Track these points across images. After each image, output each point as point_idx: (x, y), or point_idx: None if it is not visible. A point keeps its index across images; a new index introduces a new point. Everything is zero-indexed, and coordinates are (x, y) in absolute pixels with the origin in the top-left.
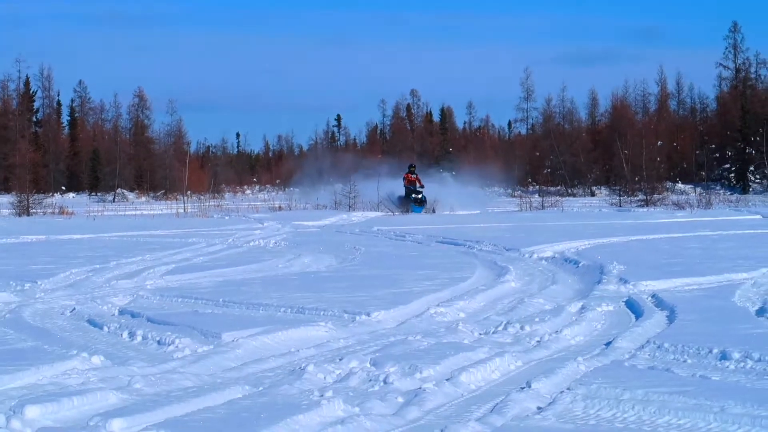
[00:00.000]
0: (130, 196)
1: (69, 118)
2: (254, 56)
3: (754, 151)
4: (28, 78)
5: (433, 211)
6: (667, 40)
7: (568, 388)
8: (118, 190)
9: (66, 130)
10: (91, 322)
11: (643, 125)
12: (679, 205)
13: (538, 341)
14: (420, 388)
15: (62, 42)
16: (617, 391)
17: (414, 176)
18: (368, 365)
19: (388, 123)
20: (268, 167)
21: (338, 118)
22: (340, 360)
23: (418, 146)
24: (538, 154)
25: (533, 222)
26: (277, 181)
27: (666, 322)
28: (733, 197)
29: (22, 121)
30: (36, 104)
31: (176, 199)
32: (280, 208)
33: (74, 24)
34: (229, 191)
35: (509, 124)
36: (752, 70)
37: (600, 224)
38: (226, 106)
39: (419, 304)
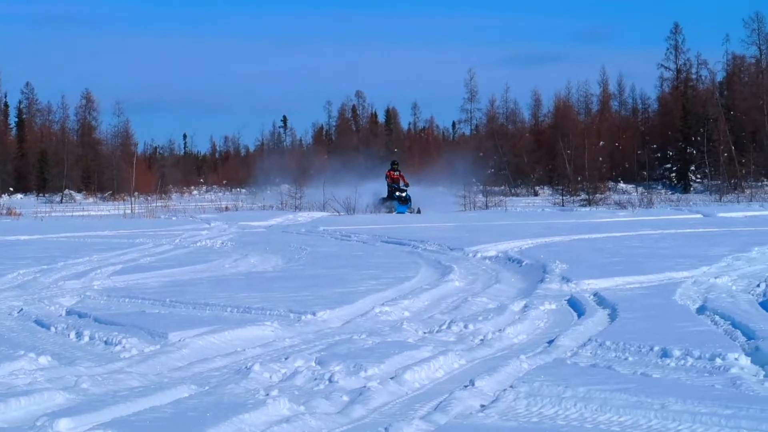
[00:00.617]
0: (78, 197)
1: (16, 119)
2: (201, 58)
3: (695, 151)
4: None
5: (418, 212)
6: (609, 41)
7: (511, 386)
8: (66, 191)
9: (13, 132)
10: (38, 322)
11: (586, 125)
12: (621, 205)
13: (481, 340)
14: (365, 386)
15: (9, 44)
16: (559, 389)
17: (397, 174)
18: (313, 364)
19: (334, 124)
20: (215, 168)
21: (284, 119)
22: (286, 359)
23: (364, 146)
24: (481, 154)
25: (477, 222)
26: (224, 182)
27: (608, 321)
28: (675, 197)
29: None
30: None
31: (124, 200)
32: (227, 208)
33: (21, 26)
34: (176, 192)
35: (453, 124)
36: (693, 70)
37: (543, 224)
38: (173, 108)
39: (364, 303)
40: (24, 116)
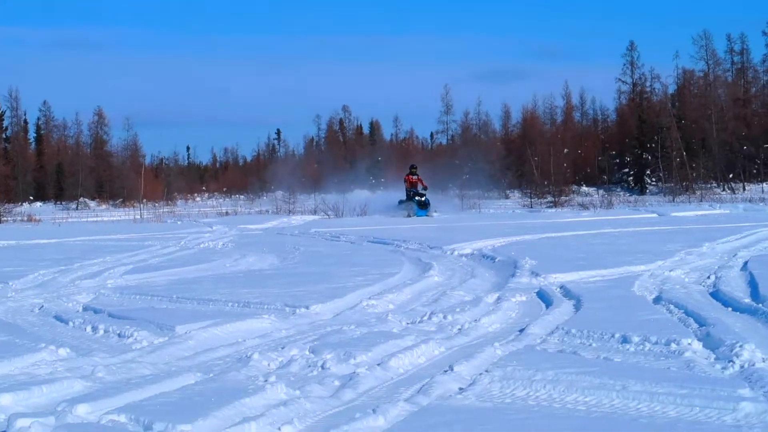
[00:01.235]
0: (92, 204)
1: (35, 134)
2: (202, 77)
3: (650, 157)
4: None
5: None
6: (571, 58)
7: (487, 371)
8: (81, 199)
9: (33, 146)
10: (57, 317)
11: (551, 135)
12: (583, 206)
13: (459, 329)
14: (354, 372)
15: (28, 66)
16: (530, 373)
17: (416, 177)
18: (307, 353)
19: (323, 136)
20: (216, 177)
21: (278, 132)
22: (282, 348)
23: (350, 156)
24: (457, 162)
25: (454, 223)
26: (224, 189)
27: (573, 311)
28: (632, 198)
29: None
30: (5, 123)
31: (133, 206)
32: (227, 213)
33: (39, 50)
34: (181, 199)
35: (431, 135)
36: (647, 84)
37: (513, 224)
38: (177, 122)
39: (353, 297)
40: (42, 132)
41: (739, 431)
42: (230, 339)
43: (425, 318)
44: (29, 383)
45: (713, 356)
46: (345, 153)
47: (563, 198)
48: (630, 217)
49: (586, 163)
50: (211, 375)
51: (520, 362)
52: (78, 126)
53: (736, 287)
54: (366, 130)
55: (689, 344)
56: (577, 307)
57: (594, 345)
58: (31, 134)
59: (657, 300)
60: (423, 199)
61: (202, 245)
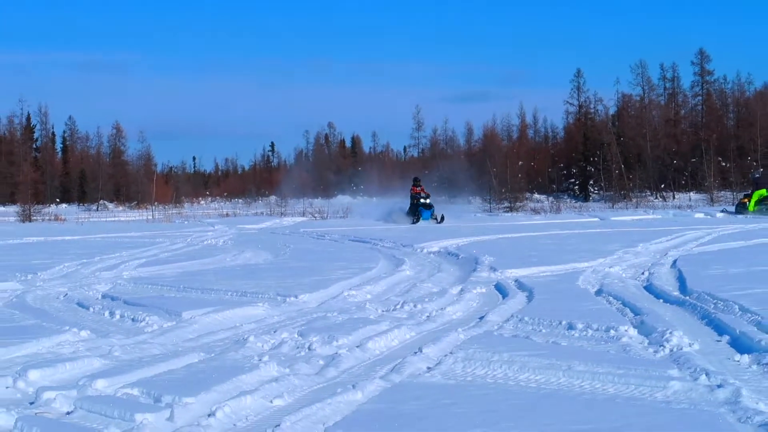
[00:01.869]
0: (110, 206)
1: (61, 145)
2: (206, 95)
3: (593, 169)
4: (29, 114)
5: (442, 219)
6: (526, 83)
7: (451, 353)
8: (101, 202)
9: (59, 155)
10: (79, 304)
11: (508, 149)
12: (535, 211)
13: (427, 316)
14: (336, 353)
15: (56, 85)
16: (488, 354)
17: (419, 188)
18: (296, 336)
19: (311, 148)
20: (218, 183)
21: (272, 145)
22: (274, 332)
23: (334, 166)
24: (426, 172)
25: (423, 224)
26: (225, 194)
27: (526, 301)
28: (577, 204)
29: (24, 148)
30: (36, 134)
31: (146, 208)
32: (227, 214)
33: (65, 71)
34: (187, 202)
35: (404, 149)
36: (591, 106)
37: (475, 226)
38: (185, 135)
39: (335, 288)
40: (67, 143)
41: (668, 406)
42: (229, 324)
43: (398, 306)
44: (54, 361)
45: (646, 341)
46: (330, 164)
47: (518, 204)
48: (575, 221)
49: (538, 174)
50: (212, 355)
51: (479, 345)
52: (99, 138)
53: (667, 282)
54: (348, 143)
55: (626, 331)
56: (530, 298)
57: (544, 331)
58: (58, 145)
59: (598, 292)
60: (427, 201)
61: (205, 242)
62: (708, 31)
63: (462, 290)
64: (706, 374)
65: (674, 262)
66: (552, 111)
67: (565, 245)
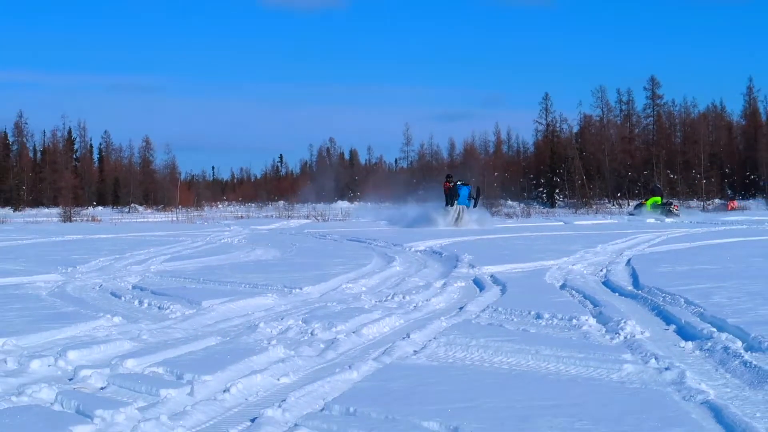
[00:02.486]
0: (140, 209)
1: (98, 155)
2: (225, 113)
3: (558, 179)
4: (70, 129)
5: (478, 195)
6: (501, 105)
7: (435, 338)
8: (132, 205)
9: (96, 164)
10: (113, 294)
11: (485, 162)
12: (509, 215)
13: (414, 306)
14: (335, 338)
15: (94, 103)
16: (467, 340)
17: (451, 184)
18: (300, 322)
19: (315, 160)
20: (234, 189)
21: (281, 156)
22: (282, 319)
23: (334, 176)
24: (415, 181)
25: (412, 226)
26: (240, 199)
27: (500, 294)
28: (545, 210)
29: (66, 158)
30: (76, 146)
31: (171, 211)
32: (241, 217)
33: (102, 91)
34: (207, 206)
35: (396, 161)
36: (557, 125)
37: (455, 228)
38: (205, 147)
39: (335, 281)
40: (103, 154)
41: (622, 386)
42: (242, 312)
43: (389, 298)
44: (90, 343)
45: (604, 329)
46: (331, 173)
47: (493, 209)
48: (543, 224)
49: (511, 183)
50: (227, 338)
51: (459, 332)
52: (130, 149)
53: (622, 278)
54: (347, 156)
55: (586, 320)
56: (503, 291)
57: (515, 320)
58: (95, 155)
59: (562, 287)
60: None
61: (222, 241)
62: (659, 60)
63: (444, 284)
64: (656, 358)
65: (628, 260)
66: (523, 129)
67: (534, 245)
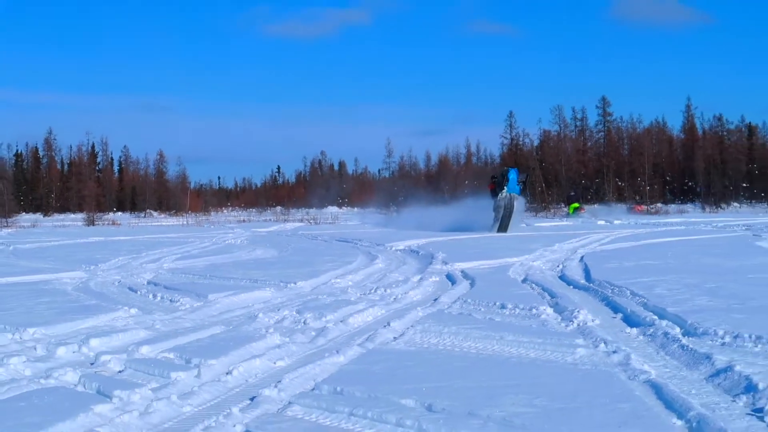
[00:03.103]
0: (155, 214)
1: (118, 167)
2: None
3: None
4: (93, 144)
5: (526, 179)
6: (471, 121)
7: (412, 326)
8: (147, 210)
9: (116, 175)
10: (130, 288)
11: (457, 172)
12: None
13: (394, 298)
14: (325, 326)
15: (115, 121)
16: (440, 327)
17: (495, 184)
18: (294, 313)
19: (308, 171)
20: (237, 197)
21: (278, 167)
22: (278, 310)
23: (325, 185)
24: (395, 188)
25: (392, 228)
26: (243, 205)
27: (469, 287)
28: None
29: (90, 170)
30: (98, 159)
31: (182, 216)
32: (243, 221)
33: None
34: (213, 211)
35: (379, 171)
36: (520, 139)
37: (431, 230)
38: (212, 159)
39: (325, 277)
40: (122, 165)
41: (576, 367)
42: (244, 304)
43: (372, 291)
44: (110, 332)
45: (560, 318)
46: (322, 182)
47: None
48: None
49: (481, 191)
50: (230, 327)
51: (433, 320)
52: (146, 162)
53: (576, 273)
54: (336, 167)
55: (544, 310)
56: (472, 285)
57: (482, 310)
58: (115, 167)
59: (524, 281)
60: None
61: (226, 242)
62: (610, 81)
63: (421, 279)
64: (605, 343)
65: (582, 257)
66: (491, 143)
67: (499, 244)
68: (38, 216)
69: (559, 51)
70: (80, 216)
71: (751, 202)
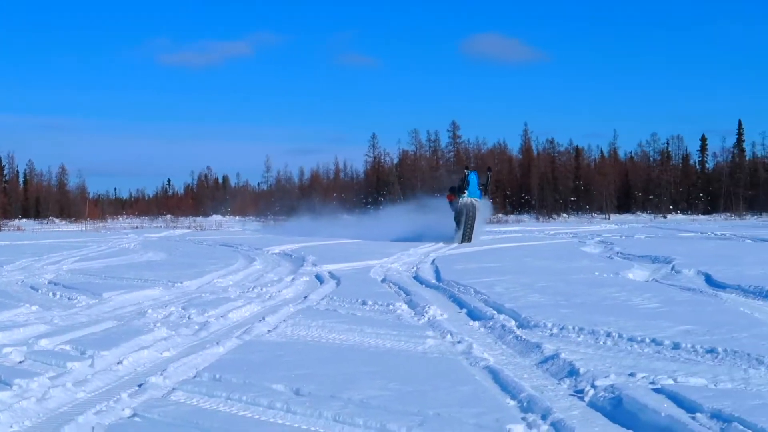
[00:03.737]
0: (56, 221)
1: (23, 179)
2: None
3: (383, 199)
4: (0, 158)
5: (488, 181)
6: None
7: (284, 320)
8: (50, 218)
9: (21, 185)
10: (32, 287)
11: (327, 186)
12: (345, 227)
13: (269, 296)
14: (207, 321)
15: (21, 138)
16: (309, 321)
17: (455, 194)
18: (180, 309)
19: (195, 183)
20: (131, 206)
21: (169, 180)
22: (166, 307)
23: (211, 196)
24: (273, 200)
25: (271, 234)
26: (136, 213)
27: (335, 286)
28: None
29: None
30: (5, 171)
31: (81, 223)
32: (137, 227)
33: (28, 128)
34: (110, 218)
35: (258, 184)
36: (382, 158)
37: (303, 237)
38: (109, 172)
39: (209, 277)
40: (27, 177)
41: (425, 355)
42: (135, 301)
43: (250, 289)
44: (12, 326)
45: (413, 313)
46: (208, 193)
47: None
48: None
49: (347, 202)
50: (122, 322)
51: (303, 315)
52: (49, 174)
53: (428, 273)
54: (221, 180)
55: (400, 306)
56: (338, 284)
57: (346, 306)
58: (21, 179)
59: (383, 280)
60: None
61: (121, 246)
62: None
63: (293, 279)
64: (451, 334)
65: (433, 260)
66: (356, 161)
67: (363, 249)
68: None
69: (417, 81)
70: None
71: (577, 213)
